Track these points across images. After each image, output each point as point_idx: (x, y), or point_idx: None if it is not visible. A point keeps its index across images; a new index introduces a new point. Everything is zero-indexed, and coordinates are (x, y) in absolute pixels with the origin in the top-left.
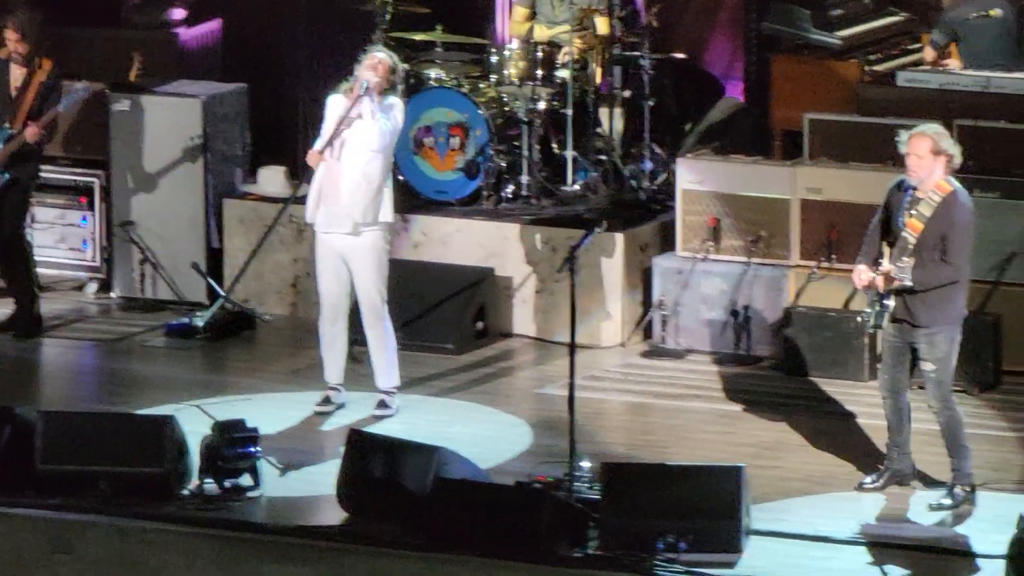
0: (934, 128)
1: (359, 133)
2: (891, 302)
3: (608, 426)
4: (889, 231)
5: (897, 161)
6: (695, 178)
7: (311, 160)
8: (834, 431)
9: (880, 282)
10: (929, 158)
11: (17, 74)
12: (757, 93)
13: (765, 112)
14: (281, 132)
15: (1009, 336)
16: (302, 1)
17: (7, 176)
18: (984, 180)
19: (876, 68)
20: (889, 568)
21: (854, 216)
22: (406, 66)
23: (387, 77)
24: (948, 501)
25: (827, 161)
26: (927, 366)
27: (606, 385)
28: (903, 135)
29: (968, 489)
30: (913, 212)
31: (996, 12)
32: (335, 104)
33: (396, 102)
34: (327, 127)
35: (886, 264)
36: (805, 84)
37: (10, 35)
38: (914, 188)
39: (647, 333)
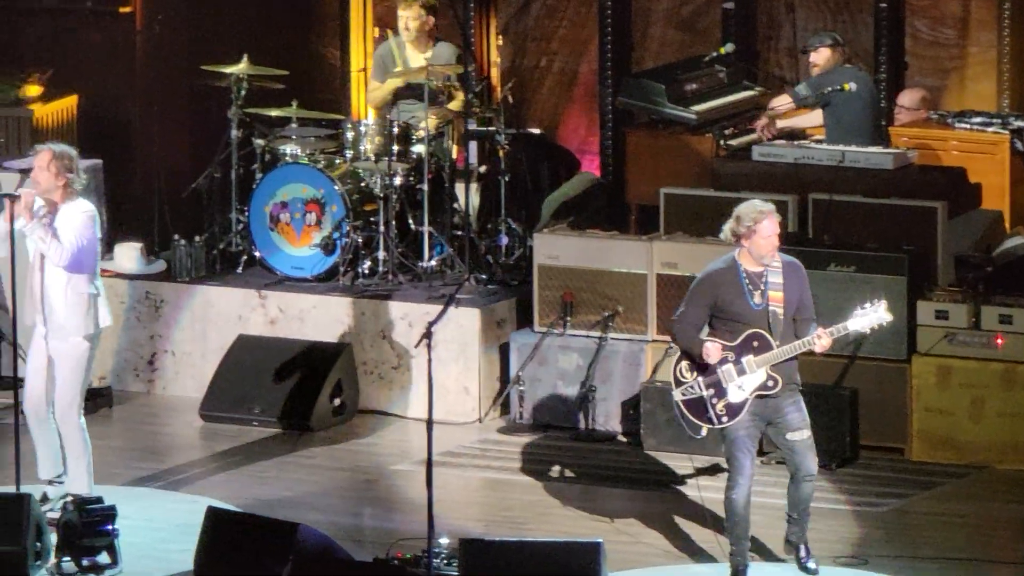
0: (767, 206)
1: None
2: (759, 382)
3: (466, 502)
4: (725, 318)
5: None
6: (551, 253)
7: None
8: (690, 505)
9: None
10: (776, 234)
11: None
12: (613, 167)
13: (621, 186)
14: (136, 208)
15: (865, 410)
16: (157, 77)
17: None
18: (838, 254)
19: (731, 143)
20: None
21: None
22: (261, 142)
23: (54, 180)
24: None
25: (683, 236)
26: (802, 434)
27: (464, 461)
28: (749, 215)
29: None
30: (763, 286)
31: (850, 87)
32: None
33: (76, 209)
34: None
35: (822, 331)
36: (660, 158)
37: None
38: (741, 266)
39: (504, 409)
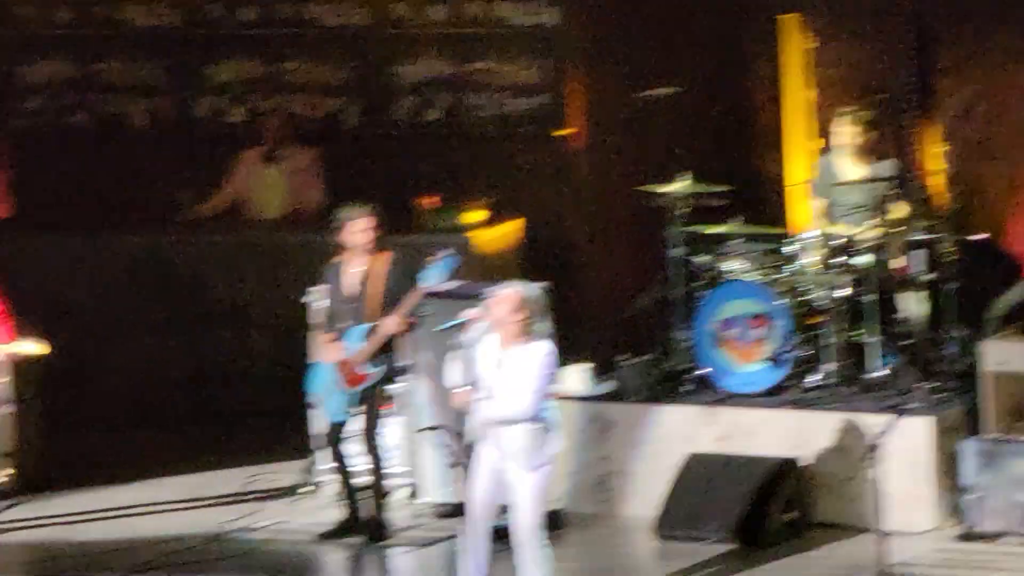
0: None
1: (507, 383)
2: None
3: None
4: None
5: None
6: (1001, 359)
7: (459, 401)
8: None
9: None
10: None
11: (354, 270)
12: None
13: None
14: (583, 329)
15: None
16: (598, 198)
17: (380, 369)
18: None
19: None
20: None
21: None
22: (704, 259)
23: (511, 317)
24: None
25: None
26: None
27: (921, 571)
28: None
29: None
30: None
31: None
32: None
33: (538, 349)
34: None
35: None
36: None
37: (366, 223)
38: None
39: (960, 518)
